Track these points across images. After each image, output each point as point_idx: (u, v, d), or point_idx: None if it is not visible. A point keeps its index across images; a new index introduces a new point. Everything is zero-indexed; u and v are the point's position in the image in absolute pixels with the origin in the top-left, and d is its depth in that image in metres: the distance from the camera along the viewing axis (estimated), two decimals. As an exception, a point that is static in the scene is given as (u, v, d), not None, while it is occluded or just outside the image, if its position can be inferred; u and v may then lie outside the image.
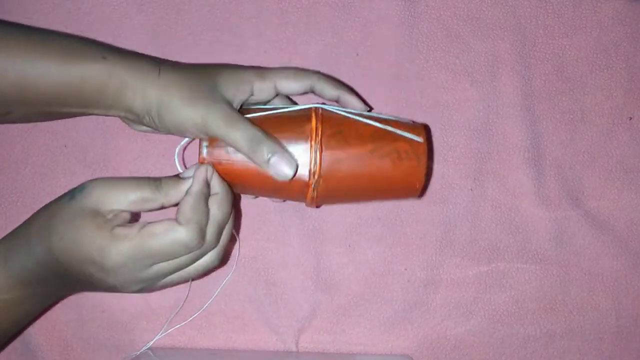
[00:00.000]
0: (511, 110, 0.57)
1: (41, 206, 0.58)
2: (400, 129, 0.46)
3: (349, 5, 0.57)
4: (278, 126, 0.45)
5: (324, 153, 0.44)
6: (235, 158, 0.45)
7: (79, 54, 0.44)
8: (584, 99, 0.58)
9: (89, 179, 0.55)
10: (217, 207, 0.43)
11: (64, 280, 0.44)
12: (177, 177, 0.43)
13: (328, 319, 0.57)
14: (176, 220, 0.41)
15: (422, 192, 0.48)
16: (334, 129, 0.45)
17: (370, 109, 0.51)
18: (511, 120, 0.57)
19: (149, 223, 0.41)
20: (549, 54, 0.58)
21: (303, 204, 0.57)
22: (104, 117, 0.56)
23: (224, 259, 0.47)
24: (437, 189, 0.57)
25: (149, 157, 0.56)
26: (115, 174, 0.56)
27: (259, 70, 0.47)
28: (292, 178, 0.44)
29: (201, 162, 0.44)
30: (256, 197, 0.54)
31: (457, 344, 0.58)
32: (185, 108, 0.43)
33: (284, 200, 0.55)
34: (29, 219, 0.45)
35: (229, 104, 0.45)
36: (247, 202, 0.56)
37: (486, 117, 0.57)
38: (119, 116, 0.47)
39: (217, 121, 0.43)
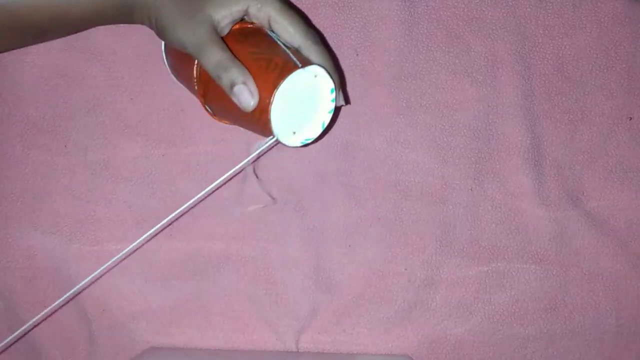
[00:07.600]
0: (511, 110, 0.57)
1: (42, 206, 0.58)
2: (296, 56, 0.44)
3: (349, 5, 0.57)
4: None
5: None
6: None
7: None
8: (584, 99, 0.58)
9: (89, 179, 0.56)
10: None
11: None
12: None
13: (328, 319, 0.57)
14: None
15: (268, 114, 0.42)
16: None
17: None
18: (511, 120, 0.57)
19: None
20: (549, 54, 0.58)
21: (303, 204, 0.57)
22: (104, 117, 0.56)
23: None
24: (437, 189, 0.57)
25: (149, 157, 0.56)
26: (115, 174, 0.56)
27: None
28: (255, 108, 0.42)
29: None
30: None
31: (457, 344, 0.58)
32: (170, 30, 0.45)
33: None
34: None
35: (212, 25, 0.45)
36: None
37: (486, 117, 0.57)
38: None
39: (192, 44, 0.44)
